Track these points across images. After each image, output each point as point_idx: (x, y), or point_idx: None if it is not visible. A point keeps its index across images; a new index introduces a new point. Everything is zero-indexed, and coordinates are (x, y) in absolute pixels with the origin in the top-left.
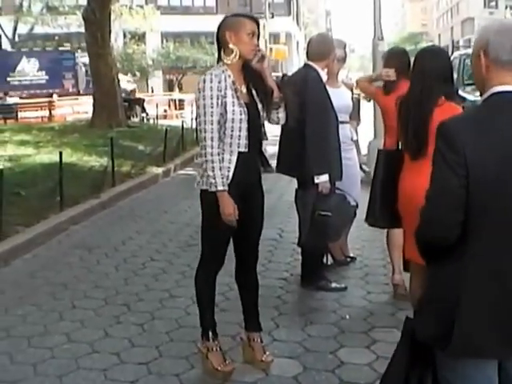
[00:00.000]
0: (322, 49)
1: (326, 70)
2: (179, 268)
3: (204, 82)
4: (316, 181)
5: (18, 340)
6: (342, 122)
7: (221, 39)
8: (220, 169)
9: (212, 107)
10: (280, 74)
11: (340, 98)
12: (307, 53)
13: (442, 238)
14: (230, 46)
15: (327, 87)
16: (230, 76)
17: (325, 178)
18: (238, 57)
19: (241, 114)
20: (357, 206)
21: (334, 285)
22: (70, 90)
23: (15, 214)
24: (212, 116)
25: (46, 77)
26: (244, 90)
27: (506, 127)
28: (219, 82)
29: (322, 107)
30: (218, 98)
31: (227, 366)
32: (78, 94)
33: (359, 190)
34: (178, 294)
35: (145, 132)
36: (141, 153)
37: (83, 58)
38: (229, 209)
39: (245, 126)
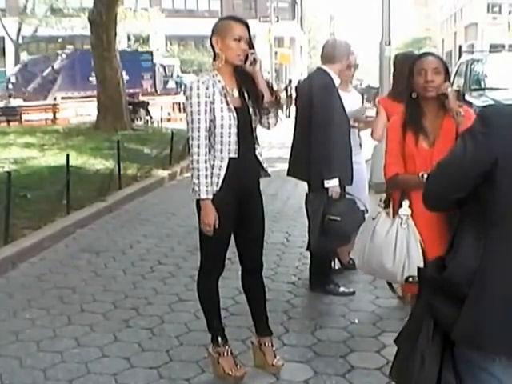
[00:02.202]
0: (334, 52)
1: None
2: (188, 271)
3: (191, 89)
4: (326, 185)
5: (27, 344)
6: (352, 127)
7: (211, 44)
8: (206, 176)
9: (199, 114)
10: (290, 79)
11: (350, 102)
12: (321, 56)
13: (440, 202)
14: (217, 51)
15: (340, 92)
16: (220, 81)
17: (335, 182)
18: (223, 62)
19: (230, 120)
20: (366, 210)
21: (342, 289)
22: (149, 89)
23: (22, 217)
24: (199, 123)
25: (127, 77)
26: (236, 94)
27: None
28: (207, 88)
29: (329, 112)
30: (206, 105)
31: (238, 371)
32: (156, 93)
33: (367, 194)
34: (187, 297)
35: (150, 135)
36: (146, 156)
37: (160, 60)
38: (209, 219)
39: (234, 131)
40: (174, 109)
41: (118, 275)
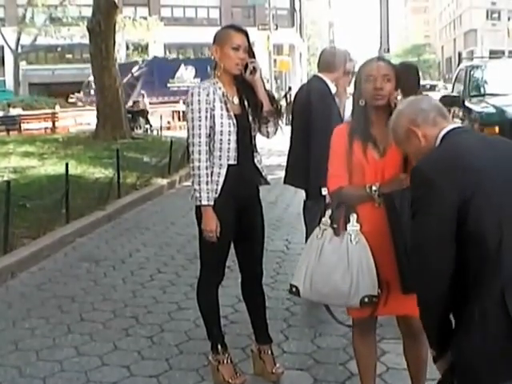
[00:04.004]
0: (331, 61)
1: (334, 81)
2: (187, 280)
3: (192, 95)
4: (323, 192)
5: (27, 353)
6: None
7: (212, 53)
8: (207, 183)
9: (200, 120)
10: (289, 86)
11: (348, 109)
12: (318, 64)
13: (443, 280)
14: (216, 59)
15: (336, 99)
16: (220, 88)
17: None
18: (222, 70)
19: (229, 126)
20: None
21: None
22: None
23: (21, 227)
24: (200, 129)
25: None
26: (236, 101)
27: (476, 152)
28: (207, 95)
29: (327, 120)
30: (206, 111)
31: (238, 379)
32: None
33: None
34: (187, 306)
35: (149, 144)
36: (146, 164)
37: None
38: (211, 225)
39: (234, 138)
40: (173, 117)
41: (117, 284)
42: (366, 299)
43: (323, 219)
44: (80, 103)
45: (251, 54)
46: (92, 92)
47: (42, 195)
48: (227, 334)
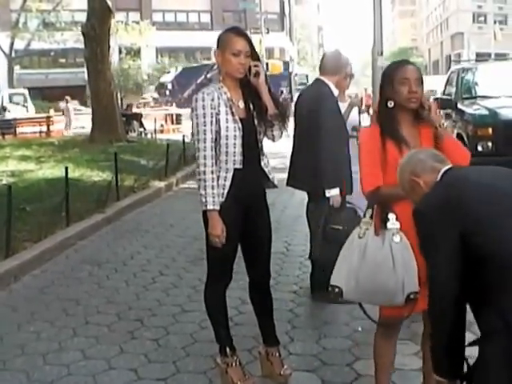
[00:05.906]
0: (334, 64)
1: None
2: (190, 282)
3: (196, 101)
4: (327, 194)
5: (33, 357)
6: (351, 137)
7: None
8: (212, 187)
9: (205, 125)
10: (281, 89)
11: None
12: (320, 67)
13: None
14: (219, 65)
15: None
16: (225, 92)
17: (336, 191)
18: (224, 75)
19: (235, 130)
20: None
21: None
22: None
23: (22, 230)
24: (205, 134)
25: None
26: (242, 105)
27: (473, 176)
28: (212, 100)
29: (336, 122)
30: (211, 116)
31: (247, 381)
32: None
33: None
34: (191, 308)
35: (145, 146)
36: (143, 167)
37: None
38: (216, 230)
39: (239, 142)
40: (166, 120)
41: (120, 287)
42: (412, 296)
43: (363, 219)
44: (152, 103)
45: (255, 57)
46: (167, 93)
47: (41, 199)
48: (233, 336)
